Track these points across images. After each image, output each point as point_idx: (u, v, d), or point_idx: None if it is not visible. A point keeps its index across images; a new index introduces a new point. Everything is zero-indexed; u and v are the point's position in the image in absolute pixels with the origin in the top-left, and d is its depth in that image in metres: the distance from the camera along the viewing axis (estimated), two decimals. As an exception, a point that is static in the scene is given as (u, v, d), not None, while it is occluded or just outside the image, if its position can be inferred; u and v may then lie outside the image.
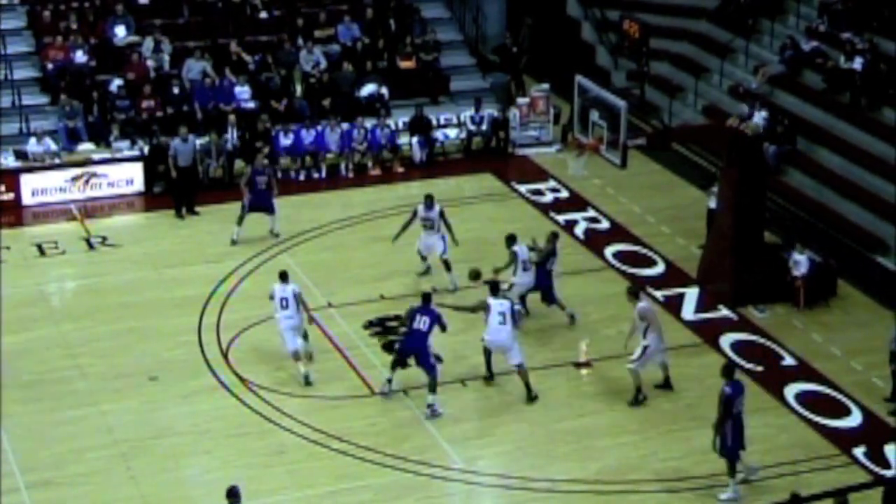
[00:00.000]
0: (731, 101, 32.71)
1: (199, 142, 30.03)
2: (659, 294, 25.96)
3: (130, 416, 21.88)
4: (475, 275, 24.25)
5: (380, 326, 24.46)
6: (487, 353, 22.60)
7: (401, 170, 31.81)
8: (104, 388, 22.62)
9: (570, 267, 26.83)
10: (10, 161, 30.14)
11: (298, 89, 33.24)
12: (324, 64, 33.50)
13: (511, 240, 24.63)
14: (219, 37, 33.94)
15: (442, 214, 25.81)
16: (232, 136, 31.06)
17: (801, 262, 25.51)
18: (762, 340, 24.47)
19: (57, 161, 30.24)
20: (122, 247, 27.91)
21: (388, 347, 23.54)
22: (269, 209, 27.98)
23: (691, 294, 25.98)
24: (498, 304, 22.19)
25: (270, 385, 22.68)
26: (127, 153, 30.70)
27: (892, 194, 27.98)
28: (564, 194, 30.52)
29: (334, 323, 24.68)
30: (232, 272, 26.52)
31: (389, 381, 22.32)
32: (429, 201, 25.83)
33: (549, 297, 24.70)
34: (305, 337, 23.30)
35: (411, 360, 21.99)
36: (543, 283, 24.60)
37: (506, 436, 21.55)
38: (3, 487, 19.73)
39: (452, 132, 33.12)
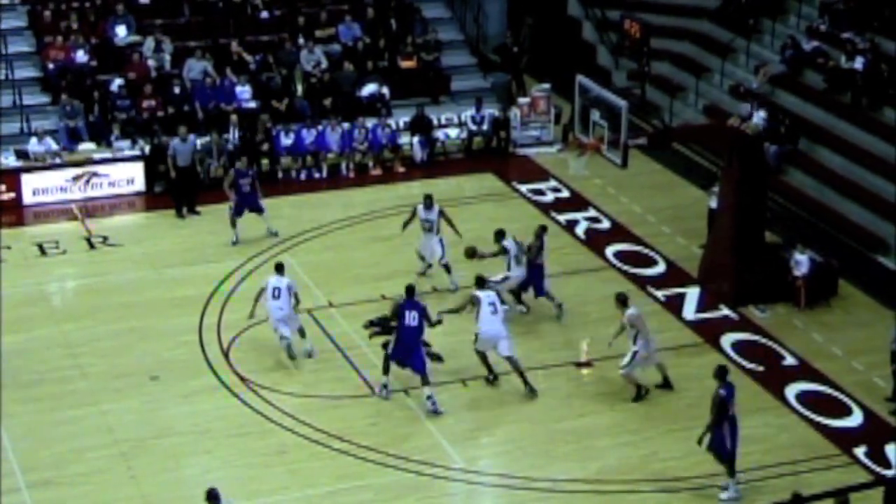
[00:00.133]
0: (731, 101, 32.72)
1: (199, 142, 30.04)
2: (660, 294, 25.98)
3: (131, 415, 21.89)
4: (471, 252, 24.53)
5: (380, 326, 24.41)
6: (482, 356, 22.59)
7: (402, 170, 31.81)
8: (105, 388, 22.63)
9: (570, 266, 26.86)
10: (10, 161, 30.15)
11: (299, 89, 33.23)
12: (325, 64, 33.50)
13: (500, 234, 24.79)
14: (220, 36, 33.95)
15: (442, 214, 25.79)
16: (233, 135, 31.05)
17: (801, 261, 25.50)
18: (763, 340, 24.47)
19: (58, 161, 30.24)
20: (123, 246, 27.91)
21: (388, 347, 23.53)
22: (258, 209, 27.92)
23: (692, 294, 25.98)
24: (486, 296, 22.41)
25: (271, 385, 22.68)
26: (128, 153, 30.71)
27: (892, 194, 27.98)
28: (565, 194, 30.52)
29: (335, 323, 24.68)
30: (233, 272, 26.52)
31: (386, 386, 22.31)
32: (428, 202, 25.82)
33: (538, 290, 24.84)
34: (303, 334, 23.37)
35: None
36: (535, 277, 24.75)
37: (506, 435, 21.56)
38: (4, 487, 19.73)
39: (453, 132, 33.12)
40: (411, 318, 21.90)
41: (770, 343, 24.35)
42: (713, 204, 27.09)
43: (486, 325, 22.28)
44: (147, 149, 30.51)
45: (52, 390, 22.56)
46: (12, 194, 29.66)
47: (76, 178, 30.02)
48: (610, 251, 27.75)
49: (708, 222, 27.43)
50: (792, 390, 22.78)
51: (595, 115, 25.62)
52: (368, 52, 34.26)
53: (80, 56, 32.39)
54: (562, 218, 29.19)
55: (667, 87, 34.70)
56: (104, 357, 23.59)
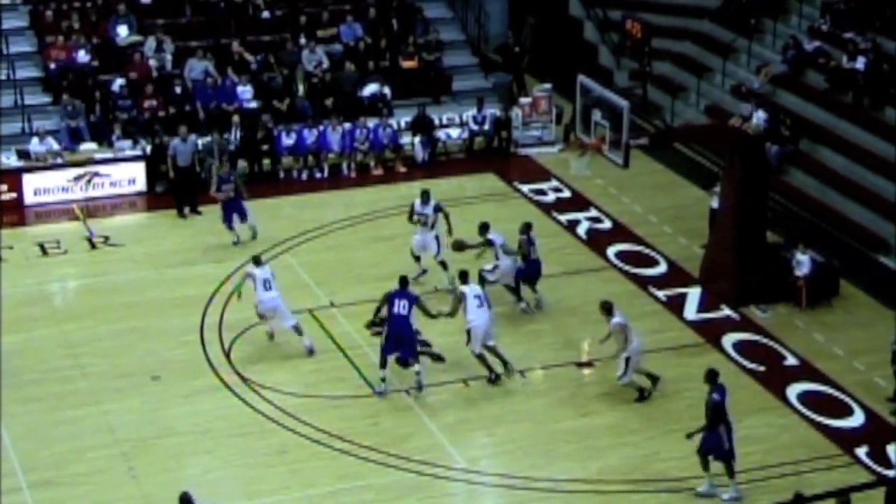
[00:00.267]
0: (733, 101, 32.69)
1: (200, 142, 30.03)
2: (661, 294, 25.97)
3: (132, 415, 21.89)
4: (458, 245, 24.81)
5: (381, 325, 24.38)
6: (481, 357, 22.59)
7: (403, 170, 31.80)
8: (106, 388, 22.63)
9: (572, 266, 26.86)
10: (12, 160, 30.16)
11: (301, 89, 33.23)
12: (326, 63, 33.50)
13: (484, 227, 24.95)
14: (221, 36, 33.95)
15: (439, 209, 25.75)
16: (235, 135, 31.04)
17: (803, 261, 25.49)
18: (764, 340, 24.45)
19: (59, 161, 30.26)
20: (124, 246, 27.91)
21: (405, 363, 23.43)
22: (241, 215, 27.79)
23: (693, 294, 25.97)
24: (470, 289, 22.62)
25: (272, 385, 22.68)
26: (129, 153, 30.72)
27: (894, 194, 27.95)
28: (567, 194, 30.51)
29: (336, 323, 24.68)
30: (234, 272, 26.50)
31: (384, 379, 22.33)
32: (425, 196, 25.81)
33: (533, 283, 24.99)
34: (300, 333, 23.46)
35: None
36: (531, 271, 24.88)
37: (507, 435, 21.54)
38: (5, 487, 19.73)
39: (455, 132, 33.12)
40: (401, 306, 22.05)
41: (771, 343, 24.34)
42: (714, 204, 27.08)
43: (476, 318, 22.38)
44: (148, 149, 30.51)
45: (53, 390, 22.57)
46: (14, 194, 29.67)
47: (77, 178, 30.03)
48: (611, 251, 27.74)
49: (709, 222, 27.43)
50: (793, 390, 22.77)
51: (596, 115, 25.61)
52: (370, 51, 34.26)
53: (82, 56, 32.40)
54: (563, 218, 29.19)
55: (668, 87, 34.68)
56: (105, 357, 23.60)
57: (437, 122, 32.88)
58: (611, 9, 37.33)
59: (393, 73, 34.11)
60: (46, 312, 25.28)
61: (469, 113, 33.11)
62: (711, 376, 19.79)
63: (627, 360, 22.00)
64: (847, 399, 22.56)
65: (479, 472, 20.55)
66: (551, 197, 30.38)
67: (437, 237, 25.71)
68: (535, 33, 37.36)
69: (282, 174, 31.29)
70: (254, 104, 32.43)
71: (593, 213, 29.53)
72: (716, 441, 19.51)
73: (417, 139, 32.14)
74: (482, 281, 24.64)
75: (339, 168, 31.62)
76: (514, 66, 35.82)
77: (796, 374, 23.36)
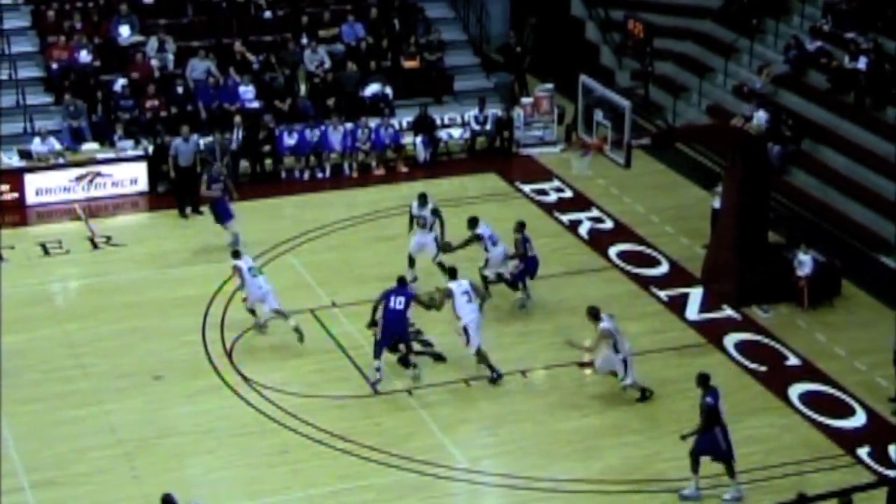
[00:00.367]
0: (735, 101, 32.69)
1: (202, 142, 30.04)
2: (663, 294, 25.96)
3: (134, 415, 21.89)
4: (447, 247, 25.13)
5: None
6: (482, 356, 22.59)
7: (405, 169, 31.81)
8: (107, 388, 22.63)
9: (573, 266, 26.86)
10: (14, 160, 30.16)
11: (302, 89, 33.23)
12: (328, 63, 33.50)
13: (473, 222, 25.08)
14: (223, 36, 33.95)
15: (436, 212, 25.77)
16: (237, 135, 31.04)
17: (805, 261, 25.49)
18: (766, 340, 24.45)
19: (61, 161, 30.25)
20: (126, 246, 27.91)
21: (393, 349, 23.48)
22: (226, 215, 27.61)
23: (695, 294, 25.96)
24: (458, 286, 22.64)
25: (274, 385, 22.68)
26: (131, 153, 30.72)
27: (895, 194, 27.94)
28: (568, 194, 30.51)
29: (338, 322, 24.68)
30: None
31: (378, 369, 22.34)
32: (421, 200, 25.85)
33: (530, 277, 25.13)
34: (285, 317, 23.68)
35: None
36: (530, 268, 24.98)
37: (509, 435, 21.54)
38: (7, 487, 19.72)
39: (456, 132, 33.12)
40: (396, 301, 22.19)
41: (773, 343, 24.33)
42: (716, 204, 27.08)
43: (466, 314, 22.42)
44: (150, 149, 30.52)
45: (55, 390, 22.57)
46: (15, 194, 29.67)
47: (79, 178, 30.03)
48: (613, 251, 27.74)
49: (711, 222, 27.42)
50: (795, 390, 22.76)
51: (598, 115, 25.62)
52: (371, 52, 34.25)
53: (84, 56, 32.40)
54: (565, 218, 29.19)
55: (670, 87, 34.68)
56: (107, 357, 23.59)
57: (438, 122, 32.89)
58: (612, 9, 37.34)
59: (395, 73, 34.11)
60: (48, 312, 25.28)
61: (471, 113, 33.11)
62: (703, 380, 19.79)
63: (625, 361, 21.99)
64: (849, 399, 22.56)
65: (481, 472, 20.54)
66: (553, 197, 30.38)
67: (435, 238, 25.75)
68: (537, 33, 37.36)
69: (283, 174, 31.30)
70: (256, 104, 32.43)
71: (595, 213, 29.53)
72: (711, 443, 19.49)
73: (419, 139, 32.14)
74: (485, 281, 24.71)
75: (340, 168, 31.63)
76: (516, 66, 35.83)
77: (798, 374, 23.36)
